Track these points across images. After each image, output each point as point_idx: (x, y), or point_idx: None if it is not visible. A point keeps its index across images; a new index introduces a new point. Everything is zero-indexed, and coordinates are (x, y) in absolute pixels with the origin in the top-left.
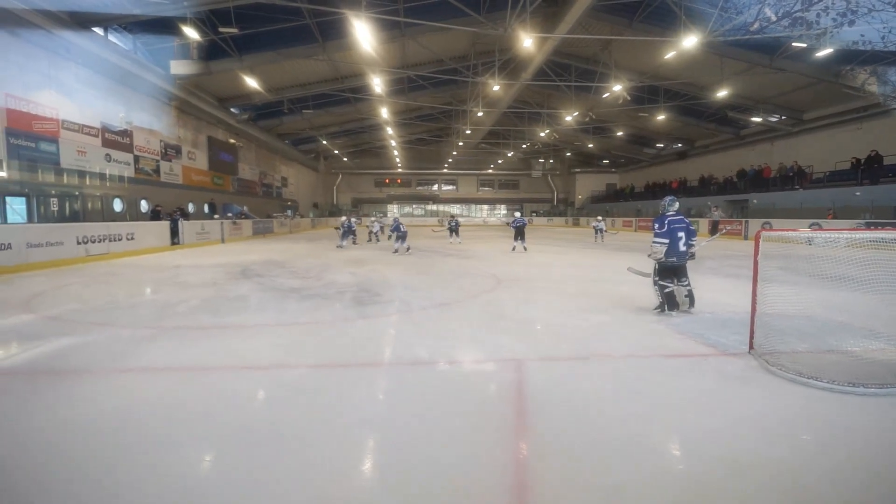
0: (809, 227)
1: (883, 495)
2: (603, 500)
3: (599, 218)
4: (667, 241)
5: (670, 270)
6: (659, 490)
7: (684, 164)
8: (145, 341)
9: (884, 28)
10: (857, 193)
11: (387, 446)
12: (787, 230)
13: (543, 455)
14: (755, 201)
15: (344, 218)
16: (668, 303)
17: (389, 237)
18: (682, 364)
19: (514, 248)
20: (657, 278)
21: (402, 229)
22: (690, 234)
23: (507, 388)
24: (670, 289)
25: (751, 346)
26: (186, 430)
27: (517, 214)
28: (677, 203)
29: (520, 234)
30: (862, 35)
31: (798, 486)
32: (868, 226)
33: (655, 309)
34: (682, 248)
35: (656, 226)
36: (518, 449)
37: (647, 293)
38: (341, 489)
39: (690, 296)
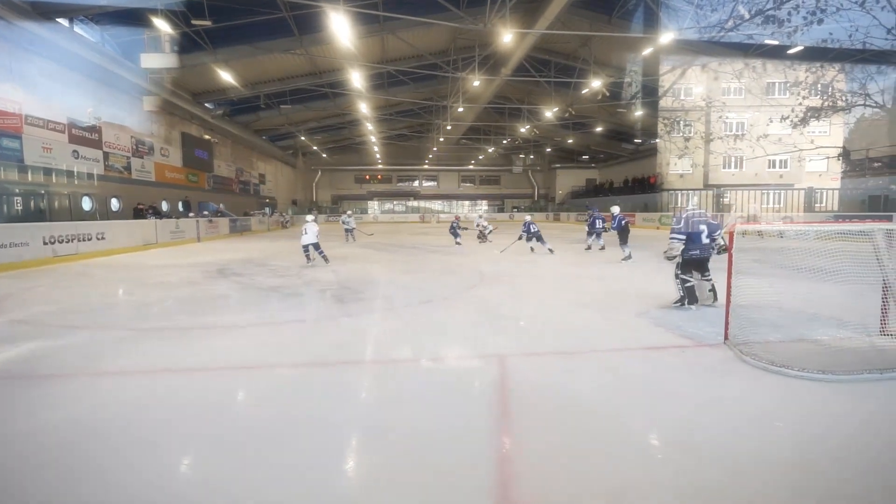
0: (782, 221)
1: (853, 477)
2: (585, 493)
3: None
4: (683, 237)
5: (693, 264)
6: (638, 479)
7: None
8: (121, 343)
9: (851, 26)
10: None
11: (370, 445)
12: (758, 224)
13: (527, 451)
14: (727, 196)
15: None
16: (689, 297)
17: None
18: (661, 356)
19: (588, 248)
20: (678, 272)
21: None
22: (713, 228)
23: (491, 384)
24: (691, 283)
25: (726, 337)
26: (166, 432)
27: (603, 219)
28: (696, 197)
29: (625, 236)
30: (830, 33)
31: (772, 470)
32: (836, 218)
33: (675, 303)
34: (705, 240)
35: (674, 222)
36: (501, 444)
37: (626, 287)
38: (325, 488)
39: (714, 290)
